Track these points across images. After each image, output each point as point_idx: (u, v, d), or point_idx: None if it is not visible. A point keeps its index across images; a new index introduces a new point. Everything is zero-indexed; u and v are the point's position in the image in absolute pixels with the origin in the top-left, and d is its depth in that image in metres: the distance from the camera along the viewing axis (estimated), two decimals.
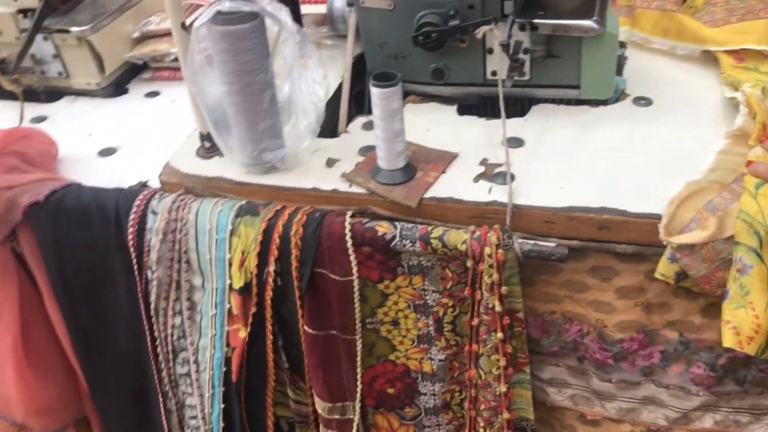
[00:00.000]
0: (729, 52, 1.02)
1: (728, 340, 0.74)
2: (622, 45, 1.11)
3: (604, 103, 1.01)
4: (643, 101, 1.00)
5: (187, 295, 0.95)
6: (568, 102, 1.02)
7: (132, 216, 0.91)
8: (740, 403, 0.91)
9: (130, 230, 0.91)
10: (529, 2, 0.95)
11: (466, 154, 0.95)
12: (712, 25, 1.06)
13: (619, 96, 1.02)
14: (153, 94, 1.23)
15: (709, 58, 1.06)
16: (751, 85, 0.91)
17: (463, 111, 1.06)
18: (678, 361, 0.89)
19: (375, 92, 0.84)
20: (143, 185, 0.97)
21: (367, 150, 0.97)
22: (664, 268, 0.80)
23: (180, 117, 1.09)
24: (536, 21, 0.94)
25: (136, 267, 0.93)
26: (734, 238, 0.75)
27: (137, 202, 0.92)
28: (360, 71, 1.13)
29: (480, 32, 0.94)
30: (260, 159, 0.93)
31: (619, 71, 1.03)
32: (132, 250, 0.92)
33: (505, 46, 0.89)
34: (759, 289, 0.73)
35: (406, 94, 1.08)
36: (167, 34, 1.21)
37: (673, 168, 0.87)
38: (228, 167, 0.96)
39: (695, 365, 0.88)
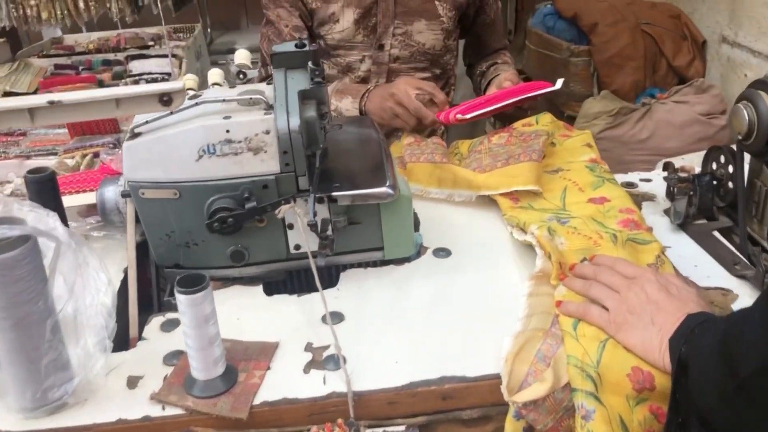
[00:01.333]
0: (504, 195, 1.11)
1: None
2: None
3: (408, 260, 1.02)
4: (442, 252, 1.03)
5: None
6: (374, 264, 1.01)
7: None
8: None
9: None
10: (324, 176, 0.94)
11: (288, 340, 0.88)
12: (481, 171, 1.15)
13: (419, 250, 1.04)
14: None
15: (485, 200, 1.14)
16: (537, 226, 0.98)
17: (270, 289, 1.00)
18: None
19: (183, 300, 0.74)
20: None
21: (174, 357, 0.85)
22: (511, 427, 0.79)
23: None
24: (335, 194, 0.93)
25: None
26: (570, 385, 0.77)
27: None
28: (140, 257, 1.02)
29: (281, 212, 0.90)
30: (45, 399, 0.76)
31: (416, 227, 1.06)
32: None
33: (312, 226, 0.86)
34: (606, 431, 0.75)
35: None
36: None
37: (494, 319, 0.88)
38: None
39: None
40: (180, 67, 2.53)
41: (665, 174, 1.20)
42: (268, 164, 0.92)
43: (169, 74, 2.49)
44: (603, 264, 0.90)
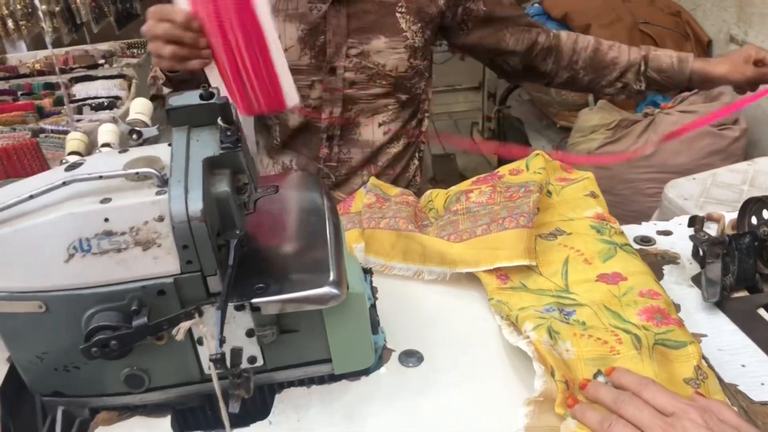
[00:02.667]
0: (489, 271, 0.86)
1: None
2: (367, 271, 0.90)
3: (366, 372, 0.77)
4: (411, 358, 0.79)
5: None
6: (321, 380, 0.77)
7: None
8: None
9: None
10: (243, 273, 0.69)
11: None
12: (457, 238, 0.90)
13: (381, 354, 0.80)
14: None
15: (465, 276, 0.90)
16: (534, 326, 0.74)
17: (182, 419, 0.75)
18: None
19: None
20: None
21: None
22: None
23: None
24: (257, 301, 0.68)
25: None
26: None
27: None
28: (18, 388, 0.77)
29: (179, 332, 0.66)
30: None
31: (375, 327, 0.81)
32: None
33: (217, 362, 0.61)
34: None
35: (94, 412, 0.75)
36: None
37: None
38: None
39: None
40: (129, 89, 2.27)
41: (691, 232, 0.96)
42: (163, 263, 0.68)
43: (117, 98, 2.24)
44: (626, 386, 0.66)
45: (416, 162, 1.40)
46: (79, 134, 0.81)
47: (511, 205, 0.89)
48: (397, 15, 1.24)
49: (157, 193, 0.67)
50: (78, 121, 2.05)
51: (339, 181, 1.33)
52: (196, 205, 0.66)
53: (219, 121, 0.71)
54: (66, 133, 1.89)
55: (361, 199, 1.08)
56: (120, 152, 0.76)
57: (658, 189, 2.01)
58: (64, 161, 0.78)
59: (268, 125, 1.36)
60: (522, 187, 0.92)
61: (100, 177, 0.68)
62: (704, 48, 2.31)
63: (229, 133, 0.70)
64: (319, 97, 1.26)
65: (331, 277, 0.70)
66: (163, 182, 0.68)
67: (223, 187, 0.69)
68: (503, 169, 1.02)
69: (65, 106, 2.17)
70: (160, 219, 0.67)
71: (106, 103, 2.18)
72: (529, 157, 1.02)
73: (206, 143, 0.71)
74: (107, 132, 0.80)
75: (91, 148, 0.84)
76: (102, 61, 2.53)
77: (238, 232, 0.70)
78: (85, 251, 0.67)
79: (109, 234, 0.67)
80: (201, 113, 0.72)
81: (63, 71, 2.44)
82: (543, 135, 2.58)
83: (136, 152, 0.75)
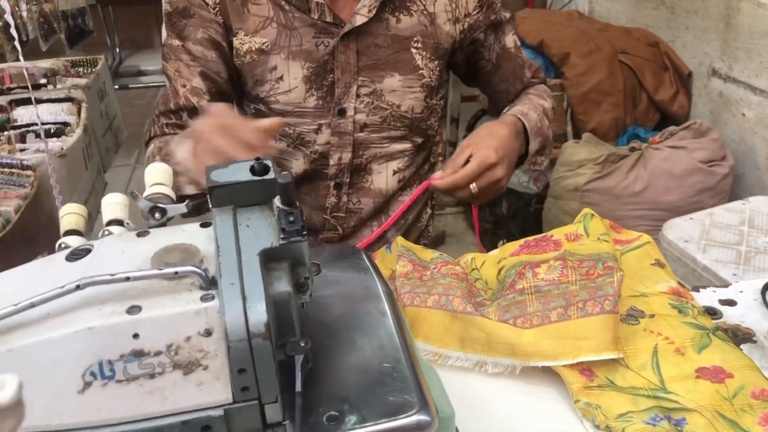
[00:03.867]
0: (570, 366, 0.74)
1: None
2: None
3: None
4: None
5: None
6: None
7: None
8: None
9: None
10: (305, 400, 0.54)
11: None
12: (526, 323, 0.77)
13: None
14: None
15: (542, 369, 0.77)
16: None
17: None
18: None
19: None
20: None
21: None
22: None
23: None
24: None
25: None
26: None
27: None
28: None
29: None
30: None
31: None
32: None
33: None
34: None
35: None
36: None
37: None
38: None
39: None
40: (79, 114, 2.06)
41: (755, 299, 0.86)
42: (210, 391, 0.52)
43: (66, 124, 2.01)
44: None
45: (429, 211, 1.27)
46: (75, 206, 0.64)
47: (592, 285, 0.77)
48: (413, 50, 1.10)
49: (203, 299, 0.52)
50: (22, 151, 1.83)
51: (346, 233, 1.18)
52: (259, 316, 0.51)
53: (277, 201, 0.56)
54: (8, 166, 1.66)
55: (388, 264, 0.94)
56: (138, 235, 0.60)
57: (648, 226, 1.95)
58: (62, 245, 0.61)
59: None
60: (599, 261, 0.80)
61: (128, 279, 0.52)
62: (684, 80, 2.29)
63: (291, 219, 0.55)
64: (327, 142, 1.11)
65: (417, 399, 0.56)
66: (210, 283, 0.53)
67: (283, 286, 0.55)
68: (557, 234, 0.90)
69: (6, 132, 1.94)
70: (208, 334, 0.52)
71: (52, 130, 1.96)
72: (585, 219, 0.91)
73: (259, 230, 0.56)
74: (115, 205, 0.63)
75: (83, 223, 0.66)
76: (44, 81, 2.29)
77: (303, 344, 0.55)
78: (107, 378, 0.51)
79: (139, 354, 0.51)
80: (252, 191, 0.57)
81: None
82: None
83: (161, 236, 0.59)
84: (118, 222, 0.63)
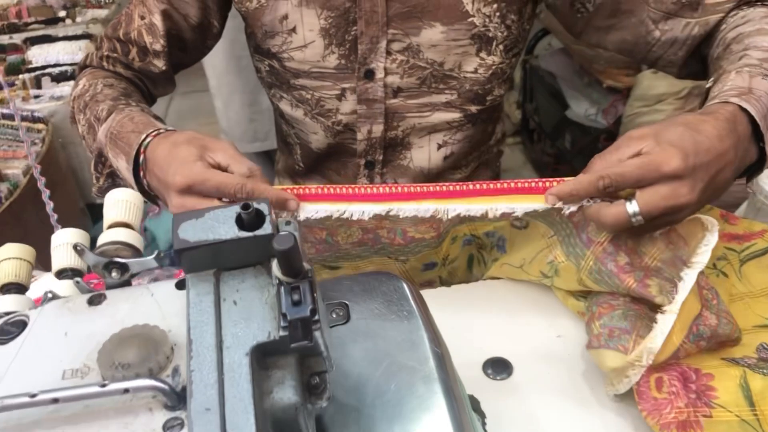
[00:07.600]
0: None
1: None
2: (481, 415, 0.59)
3: None
4: None
5: None
6: None
7: None
8: None
9: None
10: None
11: None
12: None
13: None
14: None
15: None
16: None
17: None
18: None
19: None
20: None
21: None
22: None
23: None
24: None
25: None
26: None
27: None
28: None
29: None
30: None
31: None
32: None
33: None
34: None
35: None
36: None
37: None
38: None
39: None
40: None
41: None
42: None
43: None
44: None
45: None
46: (17, 248, 0.47)
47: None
48: None
49: (167, 427, 0.35)
50: (36, 98, 1.67)
51: None
52: None
53: (276, 270, 0.37)
54: (26, 119, 1.51)
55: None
56: (90, 302, 0.43)
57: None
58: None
59: (288, 143, 1.01)
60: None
61: (55, 401, 0.35)
62: None
63: (296, 297, 0.37)
64: (353, 111, 0.90)
65: None
66: (179, 398, 0.36)
67: (287, 395, 0.37)
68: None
69: (22, 75, 1.78)
70: None
71: (69, 72, 1.80)
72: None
73: (252, 310, 0.38)
74: (65, 249, 0.46)
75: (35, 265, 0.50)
76: (63, 14, 2.11)
77: None
78: None
79: None
80: (242, 250, 0.39)
81: (15, 28, 2.03)
82: (584, 96, 2.22)
83: (119, 304, 0.42)
84: (66, 273, 0.46)
